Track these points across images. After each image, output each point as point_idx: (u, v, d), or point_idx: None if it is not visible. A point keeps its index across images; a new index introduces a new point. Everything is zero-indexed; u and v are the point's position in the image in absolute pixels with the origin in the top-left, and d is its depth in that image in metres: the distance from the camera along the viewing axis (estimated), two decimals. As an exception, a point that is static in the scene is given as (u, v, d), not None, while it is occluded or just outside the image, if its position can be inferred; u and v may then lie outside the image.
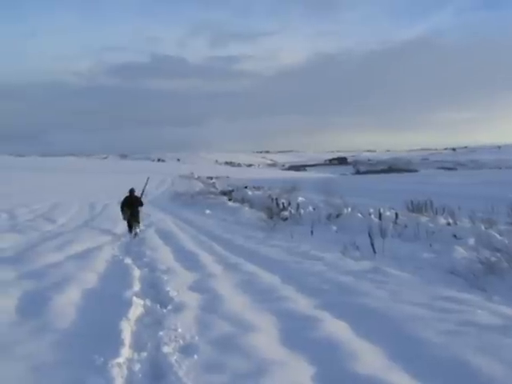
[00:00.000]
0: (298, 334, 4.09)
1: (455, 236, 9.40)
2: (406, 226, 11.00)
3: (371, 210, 13.25)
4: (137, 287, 6.00)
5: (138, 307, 4.93)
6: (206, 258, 8.49)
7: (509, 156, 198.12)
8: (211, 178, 59.87)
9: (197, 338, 3.99)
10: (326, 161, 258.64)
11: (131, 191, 13.51)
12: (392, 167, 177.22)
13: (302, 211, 15.62)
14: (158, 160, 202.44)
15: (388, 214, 12.70)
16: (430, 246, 9.08)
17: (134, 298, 5.19)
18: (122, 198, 13.56)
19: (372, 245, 8.87)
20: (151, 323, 4.50)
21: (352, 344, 3.77)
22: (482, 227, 9.55)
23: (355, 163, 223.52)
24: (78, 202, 27.04)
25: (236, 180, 54.59)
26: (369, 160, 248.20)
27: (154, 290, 5.91)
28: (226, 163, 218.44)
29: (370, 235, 9.11)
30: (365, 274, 6.70)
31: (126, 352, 3.67)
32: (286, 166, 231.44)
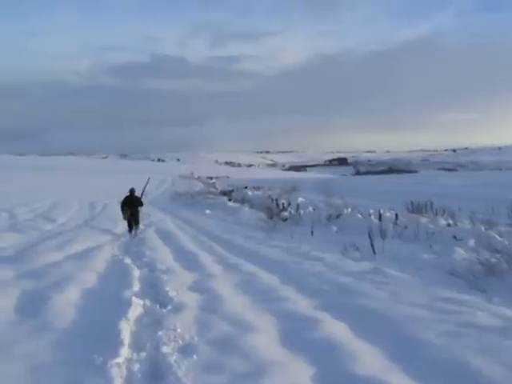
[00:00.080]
0: (297, 334, 4.08)
1: (455, 237, 9.40)
2: (406, 227, 11.00)
3: (371, 211, 13.25)
4: (136, 287, 5.99)
5: (137, 307, 4.92)
6: (205, 258, 8.48)
7: (509, 157, 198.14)
8: (211, 178, 59.89)
9: (196, 338, 3.98)
10: (326, 161, 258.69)
11: (131, 191, 13.52)
12: (392, 168, 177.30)
13: (302, 212, 15.62)
14: (158, 160, 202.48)
15: (388, 214, 12.69)
16: (430, 247, 9.07)
17: (134, 298, 5.18)
18: (122, 198, 13.57)
19: (372, 246, 8.86)
20: (150, 323, 4.48)
21: (351, 345, 3.76)
22: (482, 228, 9.56)
23: (355, 164, 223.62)
24: (77, 201, 27.07)
25: (236, 180, 54.63)
26: (369, 161, 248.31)
27: (154, 290, 5.89)
28: (226, 163, 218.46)
29: (369, 236, 9.10)
30: (365, 274, 6.69)
31: (125, 352, 3.65)
32: (286, 166, 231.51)
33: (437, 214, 12.83)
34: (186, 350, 3.69)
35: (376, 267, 7.09)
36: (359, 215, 13.10)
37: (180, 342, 3.90)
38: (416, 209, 13.95)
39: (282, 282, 6.40)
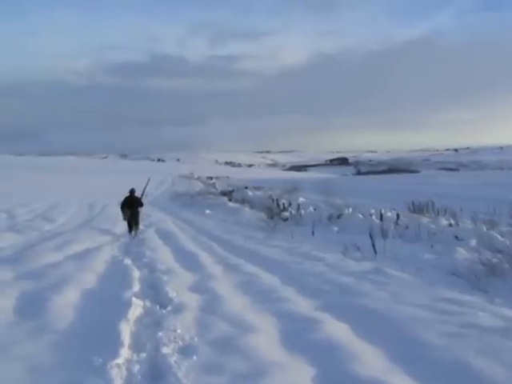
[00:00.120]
0: (298, 335, 4.06)
1: (457, 237, 9.37)
2: (407, 227, 10.97)
3: (372, 211, 13.22)
4: (136, 288, 5.97)
5: (137, 308, 4.91)
6: (205, 259, 8.47)
7: (511, 157, 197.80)
8: (211, 178, 59.90)
9: (196, 338, 3.97)
10: (327, 161, 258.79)
11: (132, 191, 13.52)
12: (393, 168, 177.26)
13: (302, 212, 15.60)
14: (158, 160, 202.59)
15: (389, 214, 12.66)
16: (432, 247, 9.05)
17: (134, 299, 5.17)
18: (122, 198, 13.57)
19: (373, 246, 8.84)
20: (150, 324, 4.47)
21: (352, 345, 3.75)
22: (484, 228, 9.53)
23: (356, 164, 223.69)
24: (77, 201, 27.08)
25: (236, 180, 54.66)
26: (370, 160, 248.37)
27: (154, 291, 5.88)
28: (226, 163, 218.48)
29: (371, 236, 9.08)
30: (366, 274, 6.67)
31: (125, 353, 3.64)
32: (287, 166, 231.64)
33: (438, 214, 12.81)
34: (186, 351, 3.68)
35: (377, 267, 7.07)
36: (360, 215, 13.08)
37: (180, 342, 3.89)
38: (417, 209, 13.93)
39: (282, 282, 6.39)
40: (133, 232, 12.69)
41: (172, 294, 5.50)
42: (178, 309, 4.88)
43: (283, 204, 17.92)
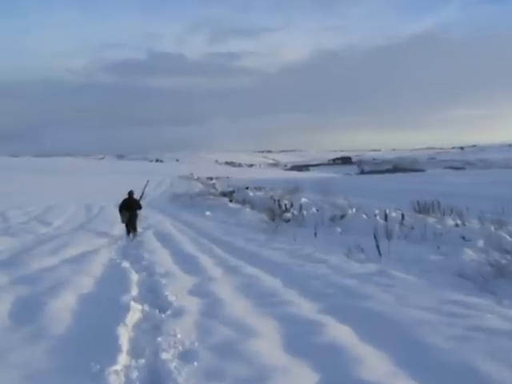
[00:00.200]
0: (300, 339, 4.03)
1: (464, 238, 9.29)
2: (412, 228, 10.89)
3: (376, 211, 13.17)
4: (135, 291, 5.95)
5: (135, 312, 4.87)
6: (205, 261, 8.42)
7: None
8: (211, 179, 59.96)
9: (196, 343, 3.93)
10: (329, 160, 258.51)
11: (130, 194, 13.49)
12: (397, 167, 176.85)
13: (304, 212, 15.54)
14: (156, 160, 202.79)
15: (394, 214, 12.58)
16: (438, 248, 8.96)
17: (132, 303, 5.13)
18: (120, 200, 13.56)
19: (377, 247, 8.76)
20: (149, 329, 4.43)
21: (356, 349, 3.72)
22: (492, 228, 9.45)
23: (360, 163, 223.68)
24: (74, 203, 27.15)
25: (237, 180, 54.69)
26: (374, 159, 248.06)
27: (153, 295, 5.85)
28: (227, 163, 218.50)
29: (375, 237, 9.00)
30: (370, 277, 6.62)
31: (123, 359, 3.61)
32: (289, 165, 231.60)
33: (444, 214, 12.71)
34: (186, 356, 3.65)
35: (382, 269, 7.03)
36: (364, 216, 13.00)
37: (180, 347, 3.85)
38: (423, 208, 13.83)
39: (284, 285, 6.35)
40: (131, 234, 12.66)
41: (171, 298, 5.46)
42: (178, 313, 4.84)
43: (285, 205, 17.85)
